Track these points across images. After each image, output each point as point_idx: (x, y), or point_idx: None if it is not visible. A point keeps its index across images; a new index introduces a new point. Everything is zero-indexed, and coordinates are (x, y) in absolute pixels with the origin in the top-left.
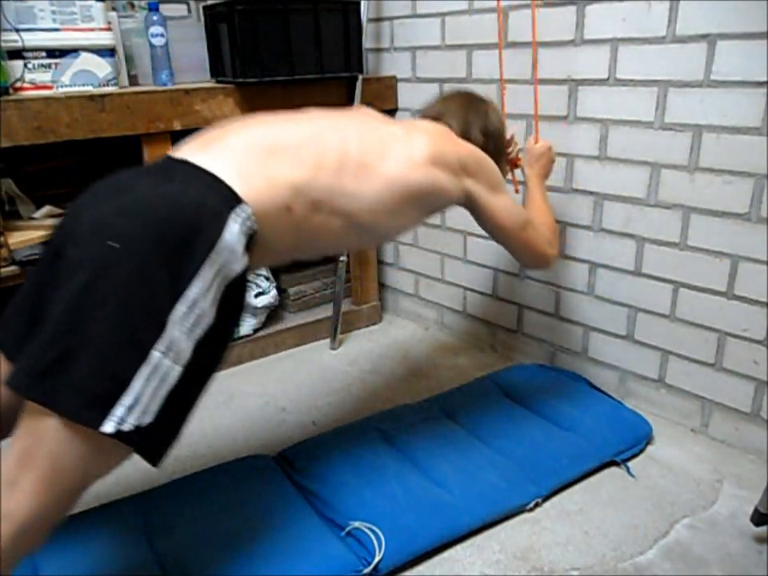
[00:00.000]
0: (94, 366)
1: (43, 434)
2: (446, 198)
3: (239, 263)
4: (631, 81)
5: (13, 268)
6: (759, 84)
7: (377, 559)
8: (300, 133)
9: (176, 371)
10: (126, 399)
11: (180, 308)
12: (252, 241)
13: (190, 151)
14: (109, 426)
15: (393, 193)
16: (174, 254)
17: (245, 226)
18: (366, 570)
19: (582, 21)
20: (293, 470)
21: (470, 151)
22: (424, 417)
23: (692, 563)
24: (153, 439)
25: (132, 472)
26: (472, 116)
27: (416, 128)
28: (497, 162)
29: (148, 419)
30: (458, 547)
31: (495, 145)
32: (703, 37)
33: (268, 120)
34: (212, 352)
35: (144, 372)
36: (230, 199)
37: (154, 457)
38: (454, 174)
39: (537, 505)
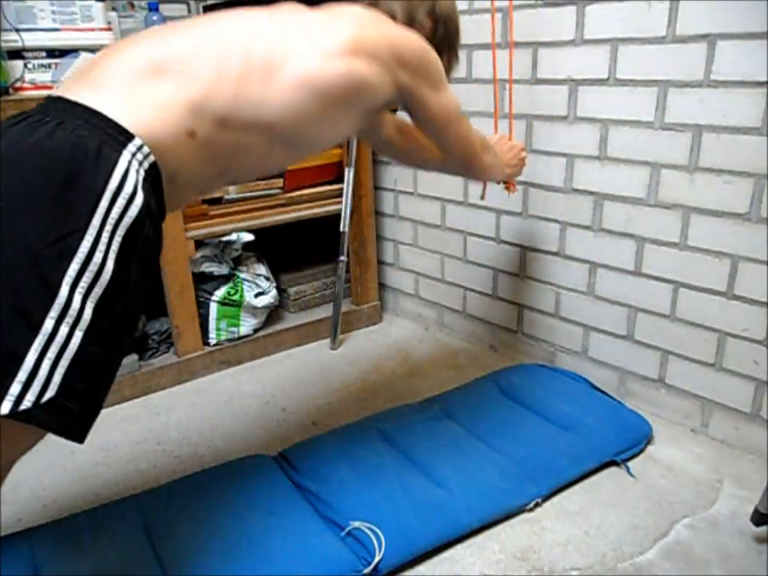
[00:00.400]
0: None
1: None
2: (375, 95)
3: (136, 205)
4: (631, 81)
5: None
6: (759, 84)
7: (377, 559)
8: (192, 43)
9: (76, 337)
10: (21, 375)
11: (72, 267)
12: (154, 178)
13: (66, 87)
14: (5, 407)
15: (308, 93)
16: (54, 207)
17: (137, 162)
18: (366, 570)
19: (581, 21)
20: (293, 469)
21: (407, 39)
22: (424, 417)
23: (692, 563)
24: (62, 414)
25: (132, 472)
26: None
27: (339, 14)
28: (444, 54)
29: (50, 393)
30: (458, 547)
31: (445, 32)
32: (703, 37)
33: (154, 34)
34: (120, 311)
35: (37, 343)
36: (115, 135)
37: (71, 433)
38: (384, 66)
39: (537, 505)
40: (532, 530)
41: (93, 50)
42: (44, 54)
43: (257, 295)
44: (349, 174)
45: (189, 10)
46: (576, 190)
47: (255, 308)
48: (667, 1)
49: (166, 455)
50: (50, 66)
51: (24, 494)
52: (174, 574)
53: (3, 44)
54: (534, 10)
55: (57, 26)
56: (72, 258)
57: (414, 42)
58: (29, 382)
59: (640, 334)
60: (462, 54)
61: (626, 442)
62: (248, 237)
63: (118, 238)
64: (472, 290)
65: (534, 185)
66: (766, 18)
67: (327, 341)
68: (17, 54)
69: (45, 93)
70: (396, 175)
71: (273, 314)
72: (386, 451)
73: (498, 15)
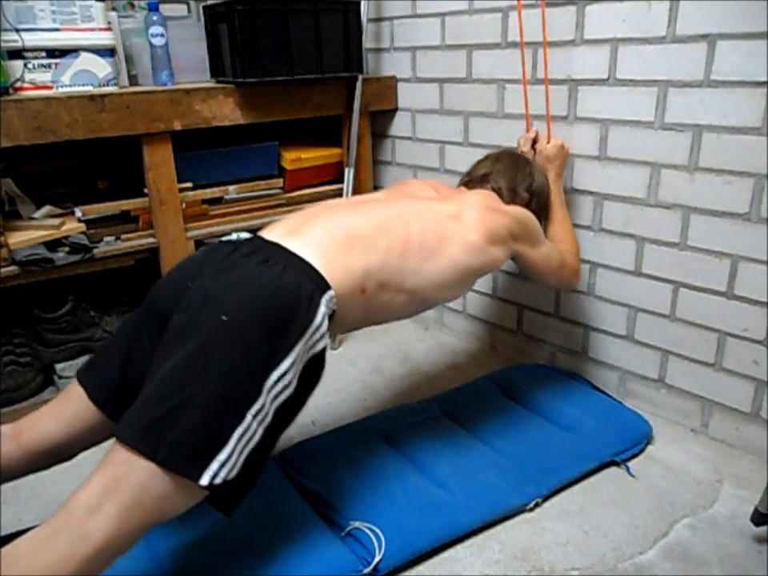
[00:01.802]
0: (197, 423)
1: (136, 468)
2: (499, 265)
3: (323, 341)
4: (631, 81)
5: (13, 268)
6: (759, 84)
7: (377, 559)
8: (372, 222)
9: (260, 432)
10: (222, 456)
11: (273, 378)
12: (330, 319)
13: (280, 235)
14: (205, 479)
15: (454, 272)
16: (273, 330)
17: (329, 309)
18: (366, 570)
19: (581, 21)
20: (293, 469)
21: (515, 217)
22: (424, 417)
23: (692, 563)
24: (234, 491)
25: None
26: (519, 177)
27: (466, 204)
28: (538, 216)
29: (234, 473)
30: (458, 547)
31: (539, 202)
32: (703, 37)
33: (343, 208)
34: (287, 415)
35: (238, 432)
36: (320, 284)
37: (230, 507)
38: (504, 244)
39: (537, 505)
40: (532, 530)
41: (93, 50)
42: (44, 53)
43: None
44: (349, 174)
45: (189, 10)
46: (576, 190)
47: None
48: (667, 1)
49: None
50: (50, 65)
51: (24, 494)
52: (173, 573)
53: (3, 44)
54: (534, 10)
55: (57, 25)
56: (275, 371)
57: (519, 216)
58: (225, 462)
59: (640, 334)
60: (462, 54)
61: (626, 442)
62: (248, 237)
63: (305, 362)
64: (472, 290)
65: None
66: (766, 18)
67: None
68: (17, 53)
69: (45, 93)
70: (396, 175)
71: None
72: (386, 451)
73: (498, 15)
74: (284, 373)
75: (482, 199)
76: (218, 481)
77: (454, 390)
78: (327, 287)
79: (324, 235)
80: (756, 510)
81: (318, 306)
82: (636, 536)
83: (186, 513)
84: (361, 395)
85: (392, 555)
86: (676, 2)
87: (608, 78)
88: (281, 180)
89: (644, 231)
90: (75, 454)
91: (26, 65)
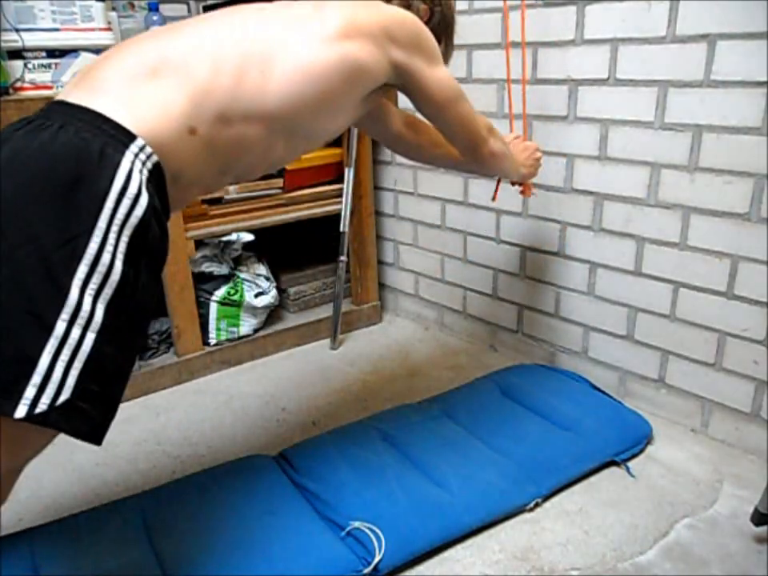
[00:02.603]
0: None
1: None
2: (371, 76)
3: (141, 206)
4: (631, 81)
5: None
6: (759, 84)
7: (377, 559)
8: (187, 42)
9: (89, 339)
10: (35, 378)
11: (81, 269)
12: (157, 178)
13: (67, 90)
14: (21, 411)
15: (305, 80)
16: (61, 209)
17: (140, 163)
18: (366, 570)
19: (581, 21)
20: (293, 469)
21: (397, 17)
22: (424, 417)
23: (692, 563)
24: (78, 416)
25: (132, 472)
26: None
27: (325, 3)
28: (437, 40)
29: (65, 395)
30: (458, 547)
31: (442, 17)
32: (703, 37)
33: (150, 36)
34: (130, 311)
35: (50, 345)
36: (117, 135)
37: (88, 435)
38: (377, 45)
39: (537, 505)
40: (532, 530)
41: (93, 50)
42: (44, 53)
43: (257, 295)
44: (349, 174)
45: (189, 10)
46: (576, 190)
47: (255, 308)
48: (667, 1)
49: (165, 455)
50: (50, 65)
51: (24, 494)
52: (173, 573)
53: (3, 44)
54: (534, 10)
55: (57, 26)
56: (80, 260)
57: (405, 17)
58: (43, 385)
59: (640, 334)
60: (463, 54)
61: (626, 442)
62: (248, 237)
63: (124, 239)
64: (472, 290)
65: (534, 184)
66: (766, 18)
67: (327, 341)
68: (17, 53)
69: (45, 93)
70: (396, 175)
71: (273, 314)
72: (386, 451)
73: (498, 15)
74: (95, 259)
75: None
76: (42, 408)
77: (454, 390)
78: (130, 137)
79: (122, 74)
80: (756, 510)
81: (116, 164)
82: (636, 536)
83: (186, 513)
84: (361, 395)
85: (392, 555)
86: (676, 2)
87: (608, 78)
88: (281, 180)
89: (644, 231)
90: None
91: (25, 65)
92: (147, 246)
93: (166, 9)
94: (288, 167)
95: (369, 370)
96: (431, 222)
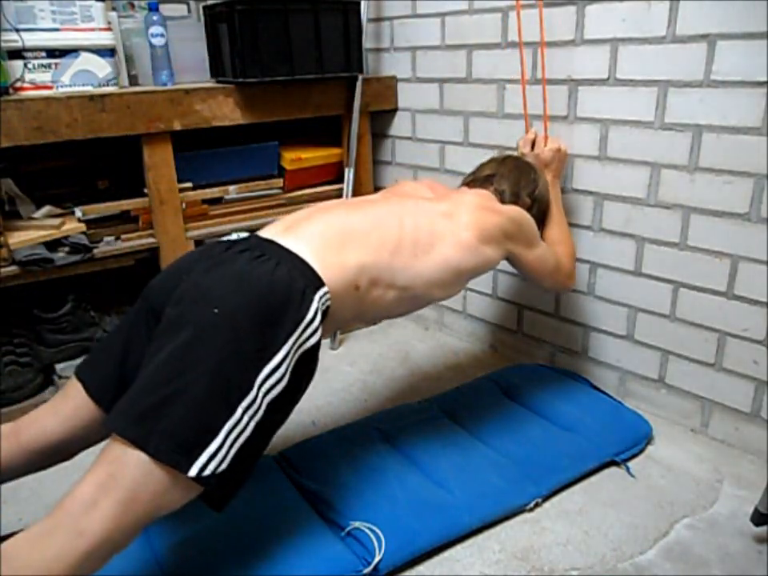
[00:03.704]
0: (187, 414)
1: (130, 464)
2: (492, 265)
3: (316, 336)
4: (631, 81)
5: (13, 268)
6: (759, 84)
7: (377, 559)
8: (366, 220)
9: (251, 426)
10: (211, 448)
11: (265, 372)
12: (324, 316)
13: (276, 233)
14: (194, 471)
15: (446, 270)
16: (265, 324)
17: (322, 305)
18: (366, 570)
19: (581, 21)
20: (293, 469)
21: (509, 216)
22: (424, 417)
23: (692, 563)
24: (224, 484)
25: None
26: (524, 181)
27: (460, 204)
28: (537, 222)
29: (224, 467)
30: (458, 547)
31: (540, 208)
32: (703, 37)
33: (340, 208)
34: (280, 411)
35: (229, 425)
36: (314, 280)
37: (219, 501)
38: (498, 244)
39: (537, 505)
40: (532, 530)
41: (93, 49)
42: (44, 53)
43: None
44: (349, 174)
45: (189, 10)
46: (576, 190)
47: None
48: (667, 1)
49: None
50: (50, 65)
51: (24, 494)
52: (173, 573)
53: (3, 44)
54: (534, 10)
55: (57, 25)
56: (267, 365)
57: (514, 216)
58: (215, 454)
59: (640, 334)
60: (462, 54)
61: (626, 442)
62: (246, 236)
63: (297, 356)
64: (472, 290)
65: None
66: (766, 18)
67: (327, 341)
68: (17, 53)
69: (45, 93)
70: (396, 175)
71: None
72: (386, 451)
73: (498, 15)
74: (276, 367)
75: (476, 198)
76: (207, 473)
77: (454, 390)
78: (321, 284)
79: (319, 233)
80: (756, 510)
81: (310, 301)
82: (636, 536)
83: (186, 513)
84: (361, 395)
85: (392, 555)
86: (676, 2)
87: (608, 78)
88: (281, 180)
89: (644, 231)
90: (75, 453)
91: (25, 65)
92: (309, 365)
93: (166, 9)
94: (288, 167)
95: (369, 370)
96: None
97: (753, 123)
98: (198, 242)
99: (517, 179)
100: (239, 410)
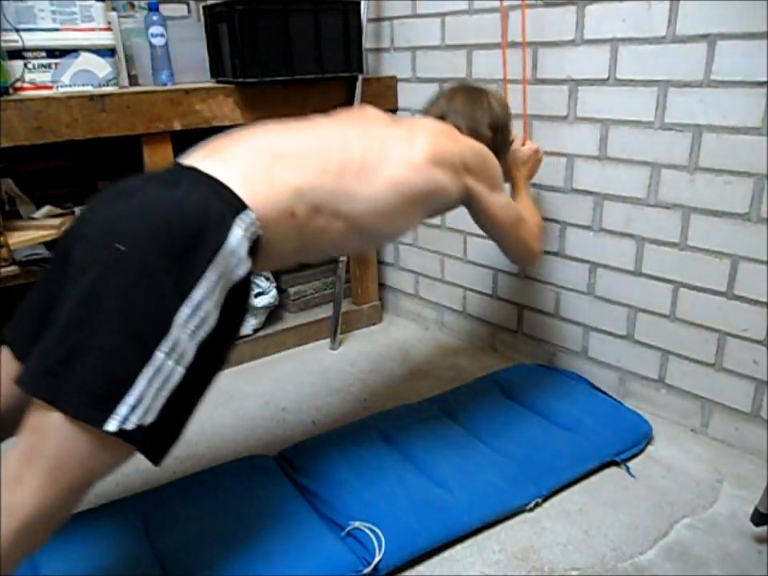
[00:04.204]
0: (98, 365)
1: (48, 432)
2: (447, 198)
3: (243, 267)
4: (631, 81)
5: (13, 268)
6: (759, 84)
7: (377, 559)
8: (304, 140)
9: (179, 372)
10: (130, 399)
11: (184, 310)
12: (256, 245)
13: (196, 158)
14: (112, 425)
15: (394, 195)
16: (178, 257)
17: (249, 231)
18: (366, 570)
19: (581, 21)
20: (293, 470)
21: (472, 148)
22: (424, 417)
23: (692, 563)
24: (155, 438)
25: (132, 472)
26: (478, 113)
27: (418, 127)
28: (501, 155)
29: (150, 419)
30: (458, 547)
31: (503, 137)
32: (703, 37)
33: (273, 128)
34: (215, 354)
35: (148, 372)
36: (235, 205)
37: (155, 455)
38: (455, 173)
39: (537, 505)
40: (532, 530)
41: (93, 50)
42: (44, 53)
43: (257, 295)
44: None
45: (189, 10)
46: (576, 190)
47: (255, 308)
48: (667, 1)
49: None
50: (50, 65)
51: None
52: (173, 573)
53: (3, 44)
54: (533, 10)
55: (57, 26)
56: (186, 302)
57: (477, 150)
58: (135, 406)
59: (640, 334)
60: (463, 54)
61: (626, 442)
62: None
63: (224, 292)
64: (472, 290)
65: (534, 185)
66: (766, 18)
67: (327, 341)
68: (17, 53)
69: (45, 93)
70: None
71: (273, 314)
72: (386, 451)
73: (498, 15)
74: (198, 304)
75: (438, 125)
76: (129, 426)
77: (454, 390)
78: (243, 207)
79: (246, 154)
80: (756, 510)
81: (229, 227)
82: (636, 536)
83: (187, 512)
84: (361, 395)
85: (392, 555)
86: (676, 2)
87: (608, 78)
88: None
89: (644, 231)
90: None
91: (25, 65)
92: (239, 301)
93: (166, 9)
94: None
95: (369, 370)
96: (431, 222)
97: (753, 123)
98: None
99: (471, 112)
100: (159, 355)
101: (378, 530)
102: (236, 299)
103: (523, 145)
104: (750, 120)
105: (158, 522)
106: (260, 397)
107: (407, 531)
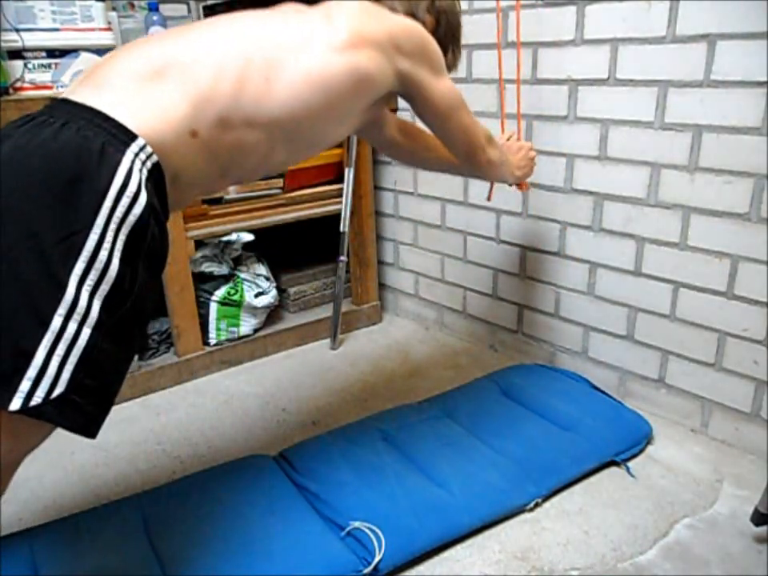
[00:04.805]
0: None
1: None
2: (377, 85)
3: (139, 205)
4: (631, 81)
5: None
6: (759, 84)
7: (377, 559)
8: (192, 46)
9: (85, 334)
10: (31, 371)
11: (78, 265)
12: (156, 177)
13: (71, 89)
14: (15, 403)
15: (312, 88)
16: (60, 206)
17: (140, 162)
18: (366, 570)
19: (581, 21)
20: (293, 469)
21: (404, 27)
22: (424, 417)
23: (692, 563)
24: (73, 410)
25: (132, 472)
26: None
27: (337, 9)
28: (444, 50)
29: (59, 389)
30: (458, 547)
31: (447, 26)
32: (703, 37)
33: (155, 38)
34: (127, 308)
35: (46, 340)
36: (118, 134)
37: (82, 428)
38: (384, 55)
39: (537, 505)
40: (532, 530)
41: (93, 50)
42: (44, 53)
43: (257, 295)
44: (349, 174)
45: (189, 10)
46: (576, 190)
47: (255, 308)
48: (667, 1)
49: (165, 455)
50: (50, 65)
51: (24, 494)
52: (173, 573)
53: (3, 44)
54: (533, 9)
55: (57, 26)
56: (78, 257)
57: (412, 28)
58: (38, 378)
59: (640, 334)
60: (463, 54)
61: (626, 442)
62: (248, 237)
63: (122, 237)
64: (472, 290)
65: (534, 185)
66: (766, 18)
67: (327, 341)
68: (17, 53)
69: (45, 93)
70: (396, 175)
71: (273, 313)
72: (386, 451)
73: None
74: (92, 256)
75: (361, 4)
76: (36, 401)
77: (454, 390)
78: (131, 136)
79: (126, 74)
80: (756, 510)
81: (116, 163)
82: (636, 536)
83: (187, 512)
84: (361, 395)
85: (392, 555)
86: (676, 2)
87: (608, 78)
88: (281, 180)
89: (644, 231)
90: None
91: (26, 65)
92: (145, 244)
93: (166, 9)
94: (290, 167)
95: (369, 370)
96: (431, 222)
97: (753, 123)
98: (198, 242)
99: None
100: (56, 319)
101: (378, 530)
102: (140, 242)
103: (517, 140)
104: (749, 120)
105: (157, 522)
106: (260, 397)
107: (407, 531)
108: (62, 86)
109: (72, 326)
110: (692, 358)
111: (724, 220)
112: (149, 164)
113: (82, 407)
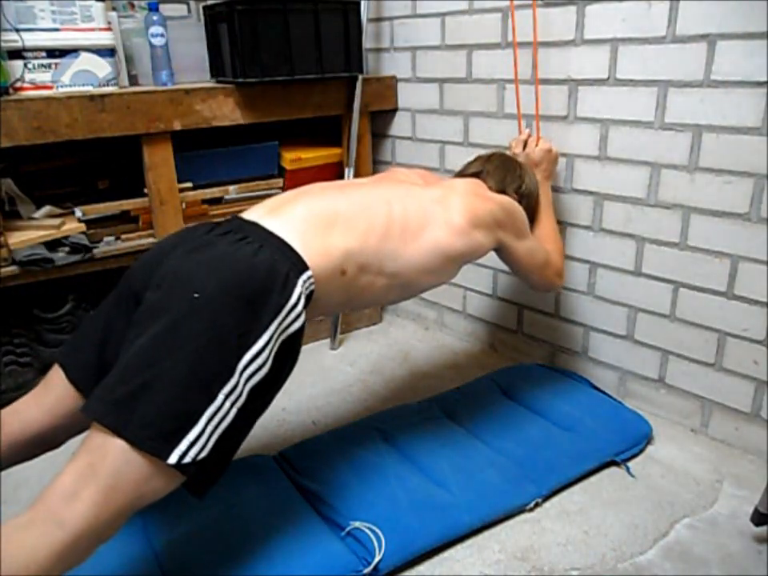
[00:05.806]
0: (167, 402)
1: (109, 454)
2: (483, 252)
3: (299, 321)
4: (631, 81)
5: (13, 268)
6: (759, 84)
7: (377, 559)
8: (353, 204)
9: (233, 413)
10: (191, 435)
11: (246, 357)
12: (308, 300)
13: (259, 215)
14: (173, 458)
15: (435, 256)
16: (247, 309)
17: (306, 289)
18: (366, 570)
19: (581, 21)
20: (293, 469)
21: (501, 204)
22: (424, 417)
23: (692, 563)
24: (203, 472)
25: None
26: (509, 178)
27: (452, 190)
28: (527, 210)
29: (204, 454)
30: (458, 547)
31: (528, 204)
32: (703, 37)
33: (324, 191)
34: (263, 396)
35: (209, 411)
36: (297, 264)
37: (200, 488)
38: (489, 230)
39: (537, 505)
40: (532, 530)
41: (93, 50)
42: (44, 53)
43: None
44: (349, 174)
45: (189, 10)
46: (576, 190)
47: None
48: (667, 1)
49: None
50: (50, 65)
51: (24, 494)
52: (173, 573)
53: (3, 44)
54: (530, 10)
55: (57, 26)
56: (248, 350)
57: (505, 204)
58: (195, 441)
59: (640, 334)
60: (463, 54)
61: (626, 442)
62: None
63: (279, 342)
64: (472, 290)
65: None
66: (766, 18)
67: (327, 341)
68: (17, 53)
69: (45, 93)
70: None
71: None
72: (386, 451)
73: (499, 15)
74: (258, 353)
75: (468, 185)
76: (187, 460)
77: (454, 390)
78: (304, 267)
79: (304, 216)
80: (756, 510)
81: (294, 285)
82: (636, 536)
83: (187, 512)
84: (361, 395)
85: (392, 555)
86: (676, 2)
87: (608, 78)
88: (281, 180)
89: (644, 231)
90: (62, 442)
91: (26, 65)
92: (292, 349)
93: (166, 9)
94: (288, 167)
95: (369, 370)
96: None
97: (753, 123)
98: None
99: (503, 175)
100: (220, 397)
101: (378, 530)
102: (289, 348)
103: (537, 146)
104: (749, 120)
105: (157, 522)
106: None
107: (407, 531)
108: (61, 86)
109: (227, 404)
110: (692, 357)
111: (724, 220)
112: (308, 290)
113: (208, 471)
